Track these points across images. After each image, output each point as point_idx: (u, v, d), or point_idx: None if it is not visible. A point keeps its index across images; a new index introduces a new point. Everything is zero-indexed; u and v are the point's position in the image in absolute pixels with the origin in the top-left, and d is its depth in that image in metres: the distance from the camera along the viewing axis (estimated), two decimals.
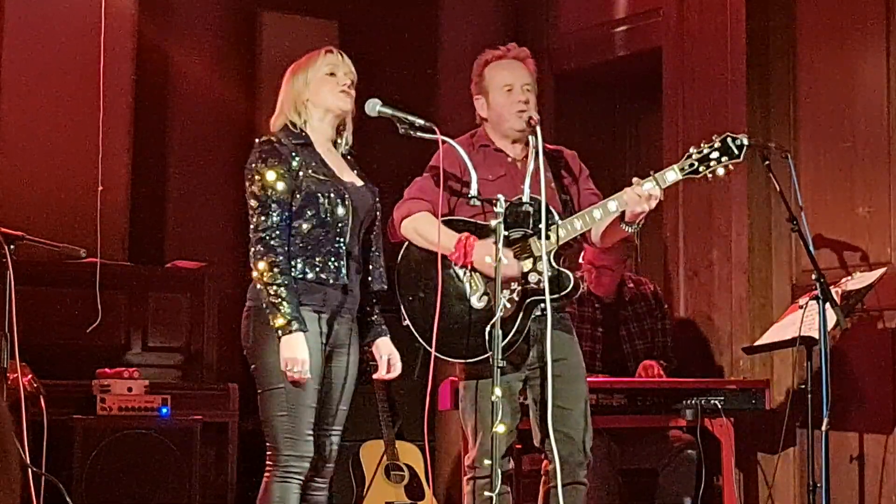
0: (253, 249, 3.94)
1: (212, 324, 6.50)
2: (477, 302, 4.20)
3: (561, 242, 4.16)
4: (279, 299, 3.87)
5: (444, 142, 4.05)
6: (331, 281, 3.99)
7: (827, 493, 4.64)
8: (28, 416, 4.54)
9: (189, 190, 7.00)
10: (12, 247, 4.49)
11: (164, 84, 7.04)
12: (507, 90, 4.31)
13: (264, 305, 3.91)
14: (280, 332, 3.87)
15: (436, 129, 4.05)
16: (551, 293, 4.07)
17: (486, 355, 4.08)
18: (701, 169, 4.13)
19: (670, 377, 5.57)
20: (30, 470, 4.49)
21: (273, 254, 3.91)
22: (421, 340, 4.22)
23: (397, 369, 4.22)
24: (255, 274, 3.93)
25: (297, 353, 3.87)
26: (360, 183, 4.14)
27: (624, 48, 6.85)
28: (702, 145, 4.15)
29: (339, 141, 4.17)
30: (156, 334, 6.47)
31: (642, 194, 4.07)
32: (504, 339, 3.99)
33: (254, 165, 3.99)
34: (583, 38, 7.01)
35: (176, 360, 6.51)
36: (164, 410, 5.73)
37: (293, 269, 3.95)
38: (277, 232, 3.93)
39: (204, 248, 6.74)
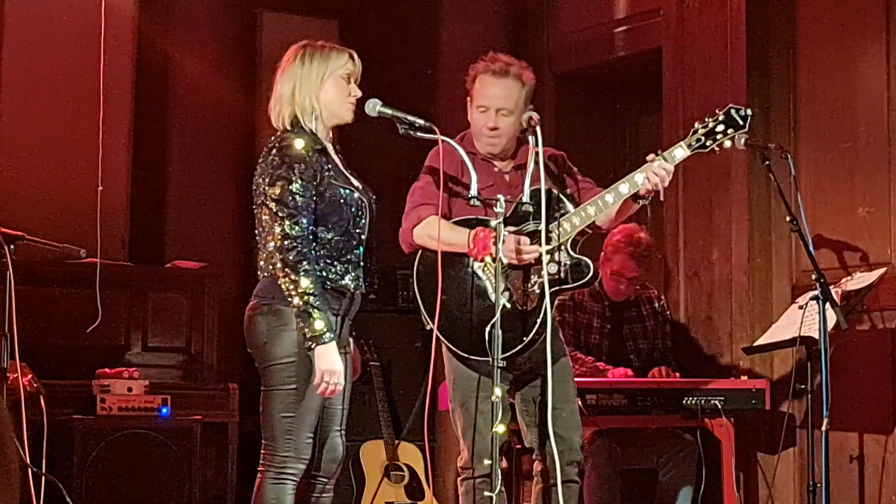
0: (282, 256, 3.83)
1: (212, 324, 6.50)
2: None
3: (577, 230, 4.17)
4: (313, 308, 3.81)
5: (444, 142, 4.05)
6: (352, 288, 3.97)
7: (827, 493, 4.63)
8: (28, 416, 4.53)
9: (189, 190, 7.00)
10: (12, 247, 4.49)
11: (164, 84, 7.04)
12: (480, 111, 4.27)
13: (295, 313, 3.82)
14: (312, 342, 3.81)
15: (436, 129, 4.04)
16: (572, 280, 4.12)
17: (512, 350, 4.09)
18: (708, 143, 4.16)
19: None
20: (30, 470, 4.49)
21: (307, 262, 3.84)
22: (448, 345, 4.20)
23: (357, 372, 4.25)
24: (285, 282, 3.82)
25: (334, 364, 3.84)
26: (360, 186, 4.11)
27: (624, 48, 6.84)
28: (706, 119, 4.18)
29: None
30: (156, 334, 6.46)
31: (658, 172, 4.09)
32: (530, 332, 4.05)
33: (280, 171, 3.89)
34: (583, 39, 7.01)
35: (176, 360, 6.51)
36: (164, 410, 5.73)
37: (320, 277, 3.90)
38: (307, 240, 3.86)
39: (204, 248, 6.73)
